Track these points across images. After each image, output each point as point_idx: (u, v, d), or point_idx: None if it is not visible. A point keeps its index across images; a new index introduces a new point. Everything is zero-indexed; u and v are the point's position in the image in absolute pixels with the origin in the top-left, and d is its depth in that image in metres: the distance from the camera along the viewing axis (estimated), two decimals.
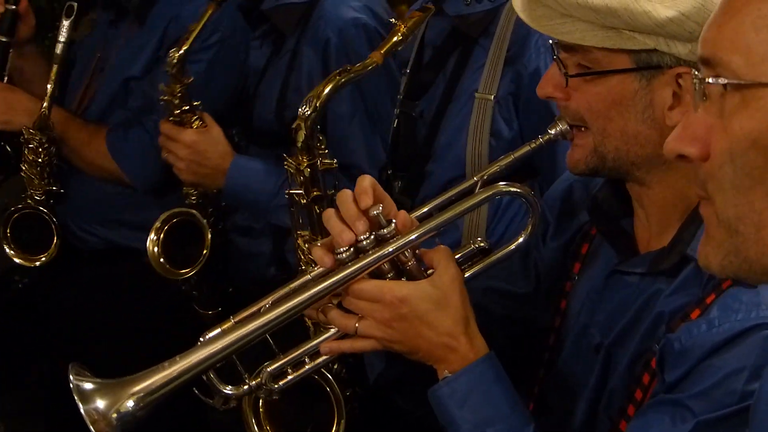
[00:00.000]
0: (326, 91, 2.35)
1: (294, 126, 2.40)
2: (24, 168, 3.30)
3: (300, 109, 2.35)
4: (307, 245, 2.49)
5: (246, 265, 3.24)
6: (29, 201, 3.32)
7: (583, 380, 1.86)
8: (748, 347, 1.57)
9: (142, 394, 1.70)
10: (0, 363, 3.96)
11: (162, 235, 3.09)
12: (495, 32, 2.61)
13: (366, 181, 1.78)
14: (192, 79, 2.94)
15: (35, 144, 3.23)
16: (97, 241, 3.44)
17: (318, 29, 3.03)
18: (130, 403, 1.69)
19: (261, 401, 2.42)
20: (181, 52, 2.86)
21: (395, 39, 2.43)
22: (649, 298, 1.76)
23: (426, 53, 2.82)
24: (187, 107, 2.97)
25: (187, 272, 3.13)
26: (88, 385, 1.71)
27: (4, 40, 3.25)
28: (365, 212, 1.75)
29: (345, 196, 1.77)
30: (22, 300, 3.55)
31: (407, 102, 2.81)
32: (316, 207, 2.45)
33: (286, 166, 2.45)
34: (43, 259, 3.33)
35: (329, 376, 2.39)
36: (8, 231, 3.31)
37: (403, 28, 2.44)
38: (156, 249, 3.06)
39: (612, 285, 1.85)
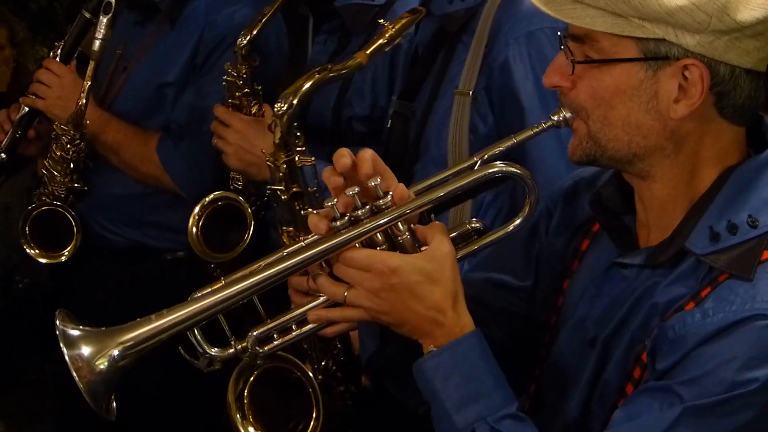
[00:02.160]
0: (304, 88, 2.33)
1: (269, 123, 2.39)
2: (47, 164, 3.31)
3: (276, 106, 2.34)
4: (292, 242, 2.49)
5: None
6: (45, 198, 3.33)
7: (578, 374, 1.85)
8: (741, 337, 1.57)
9: (127, 344, 1.71)
10: (1, 363, 3.98)
11: (204, 216, 3.11)
12: (476, 29, 2.62)
13: (367, 153, 1.79)
14: (258, 62, 2.96)
15: (65, 139, 3.24)
16: (121, 241, 3.45)
17: None
18: (114, 353, 1.70)
19: (246, 396, 2.41)
20: (253, 33, 2.90)
21: (381, 41, 2.41)
22: (645, 291, 1.75)
23: (418, 53, 2.83)
24: (249, 90, 2.99)
25: (225, 256, 3.13)
26: (74, 332, 1.73)
27: (87, 16, 3.22)
28: (363, 183, 1.76)
29: (341, 151, 1.79)
30: (22, 299, 3.54)
31: (402, 102, 2.81)
32: (296, 203, 2.44)
33: (267, 162, 2.45)
34: (65, 255, 3.34)
35: (309, 373, 2.39)
36: (27, 229, 3.31)
37: (391, 30, 2.43)
38: (195, 229, 3.08)
39: (610, 278, 1.84)
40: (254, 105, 3.01)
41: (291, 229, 2.51)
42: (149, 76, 3.37)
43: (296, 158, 2.42)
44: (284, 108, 2.33)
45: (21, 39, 5.44)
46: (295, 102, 2.32)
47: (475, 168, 1.82)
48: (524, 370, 2.03)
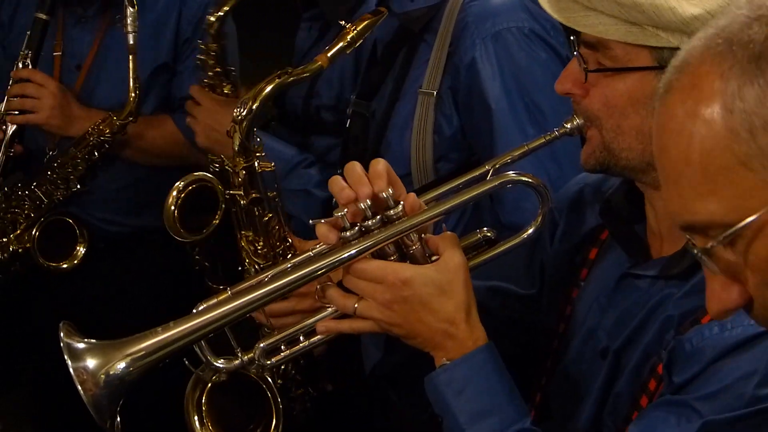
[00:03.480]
0: (264, 93, 2.30)
1: (228, 129, 2.37)
2: (53, 173, 3.25)
3: (234, 111, 2.31)
4: (251, 246, 2.47)
5: None
6: (26, 211, 3.28)
7: (589, 385, 1.83)
8: (760, 352, 1.54)
9: (133, 357, 1.68)
10: (1, 362, 3.91)
11: (181, 197, 3.07)
12: (438, 28, 2.59)
13: (380, 165, 1.76)
14: (227, 40, 2.96)
15: (100, 140, 3.19)
16: (122, 230, 3.42)
17: None
18: (120, 366, 1.67)
19: (204, 401, 2.34)
20: (221, 12, 2.88)
21: (341, 44, 2.39)
22: (659, 302, 1.73)
23: (378, 52, 2.80)
24: (220, 69, 2.99)
25: (196, 237, 3.08)
26: (79, 344, 1.70)
27: (44, 17, 3.17)
28: (375, 193, 1.73)
29: (353, 165, 1.76)
30: (24, 299, 3.50)
31: (360, 102, 2.78)
32: (255, 209, 2.41)
33: (226, 166, 2.42)
34: (81, 252, 3.31)
35: (267, 377, 2.34)
36: (36, 248, 3.27)
37: (352, 32, 2.40)
38: (173, 209, 3.05)
39: (622, 289, 1.82)
40: (226, 85, 3.01)
41: (250, 233, 2.48)
42: (145, 64, 3.30)
43: (256, 164, 2.39)
44: (243, 113, 2.30)
45: None
46: (254, 107, 2.29)
47: (488, 178, 1.79)
48: (528, 379, 2.00)
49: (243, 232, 2.49)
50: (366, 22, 2.43)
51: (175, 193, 3.03)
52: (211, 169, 3.10)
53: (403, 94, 2.66)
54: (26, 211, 3.28)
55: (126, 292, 3.40)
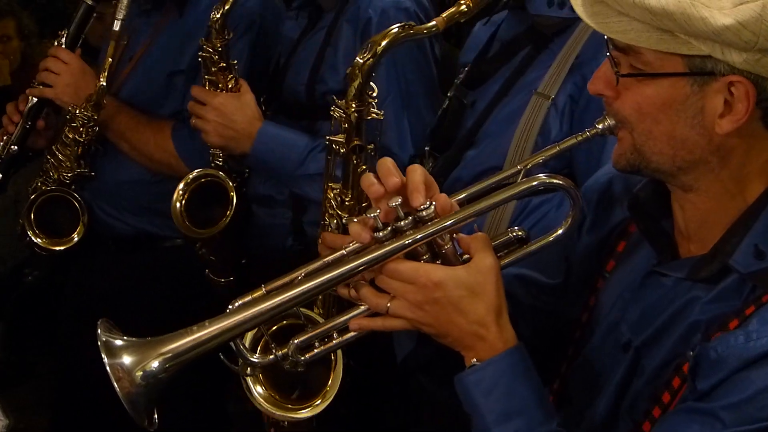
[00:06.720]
0: (385, 41, 2.34)
1: (348, 72, 2.40)
2: (56, 149, 3.31)
3: (359, 55, 2.36)
4: (337, 198, 2.48)
5: (264, 236, 3.27)
6: (44, 186, 3.33)
7: (608, 377, 1.85)
8: None
9: (168, 355, 1.70)
10: (10, 356, 3.98)
11: (188, 194, 3.15)
12: (569, 38, 2.60)
13: (417, 175, 1.76)
14: (232, 35, 2.99)
15: (80, 122, 3.24)
16: (125, 228, 3.45)
17: (359, 8, 3.06)
18: (155, 364, 1.69)
19: None
20: (227, 7, 2.93)
21: (461, 8, 2.42)
22: (686, 304, 1.74)
23: (494, 47, 2.81)
24: (224, 64, 3.02)
25: (208, 232, 3.16)
26: (116, 341, 1.71)
27: (90, 3, 3.23)
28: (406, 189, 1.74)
29: (384, 160, 1.77)
30: (33, 292, 3.54)
31: (462, 89, 2.80)
32: (353, 157, 2.45)
33: (332, 111, 2.45)
34: (74, 240, 3.35)
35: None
36: (32, 216, 3.31)
37: (468, 1, 2.43)
38: (179, 205, 3.10)
39: (648, 285, 1.83)
40: (230, 79, 3.04)
41: (338, 186, 2.52)
42: (160, 65, 3.37)
43: (367, 110, 2.43)
44: (367, 57, 2.37)
45: (29, 31, 5.41)
46: (379, 51, 2.35)
47: (519, 180, 1.79)
48: (548, 367, 2.02)
49: (330, 184, 2.55)
50: None
51: (181, 186, 3.10)
52: (213, 165, 3.15)
53: (515, 91, 2.68)
54: (38, 183, 3.36)
55: (130, 292, 3.44)
